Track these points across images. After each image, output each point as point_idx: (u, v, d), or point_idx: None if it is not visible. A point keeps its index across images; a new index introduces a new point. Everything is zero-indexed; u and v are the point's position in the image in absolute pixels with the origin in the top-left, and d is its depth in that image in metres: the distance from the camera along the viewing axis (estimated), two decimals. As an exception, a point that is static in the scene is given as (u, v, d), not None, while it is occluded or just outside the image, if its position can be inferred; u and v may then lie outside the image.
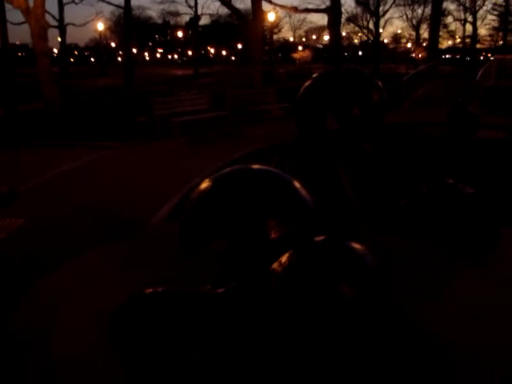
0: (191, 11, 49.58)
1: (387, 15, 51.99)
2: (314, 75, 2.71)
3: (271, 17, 32.58)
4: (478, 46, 61.02)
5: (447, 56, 61.14)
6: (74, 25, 49.44)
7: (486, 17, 59.55)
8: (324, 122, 2.70)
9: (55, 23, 40.73)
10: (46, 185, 7.75)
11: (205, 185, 2.22)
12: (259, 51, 20.58)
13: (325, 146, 2.65)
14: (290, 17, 66.76)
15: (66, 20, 42.86)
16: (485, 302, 3.18)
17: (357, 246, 2.13)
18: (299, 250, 2.05)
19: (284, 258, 2.01)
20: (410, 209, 4.38)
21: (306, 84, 2.69)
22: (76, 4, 41.95)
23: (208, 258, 2.59)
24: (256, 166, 2.30)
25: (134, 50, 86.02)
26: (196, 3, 47.50)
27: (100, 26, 46.02)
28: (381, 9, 46.79)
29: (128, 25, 31.03)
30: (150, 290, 2.13)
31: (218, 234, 2.19)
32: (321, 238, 2.16)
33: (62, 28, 41.84)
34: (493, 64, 21.23)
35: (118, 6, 31.12)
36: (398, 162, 8.21)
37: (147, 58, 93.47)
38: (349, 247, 2.11)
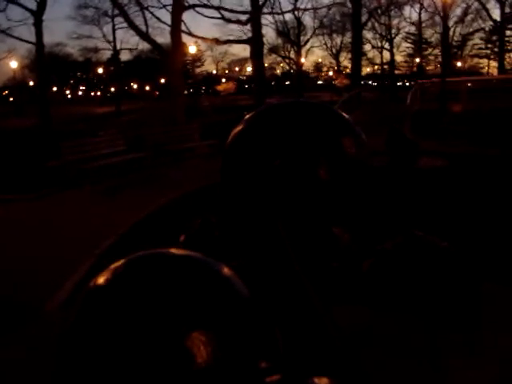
0: (110, 46, 48.07)
1: (308, 45, 52.58)
2: (247, 116, 1.56)
3: (192, 49, 31.82)
4: (396, 72, 62.92)
5: (369, 82, 62.56)
6: (-17, 63, 46.19)
7: (400, 44, 61.52)
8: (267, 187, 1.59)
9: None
10: None
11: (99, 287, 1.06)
12: (180, 84, 19.52)
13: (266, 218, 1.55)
14: (211, 50, 66.54)
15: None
16: None
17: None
18: None
19: None
20: (375, 272, 3.45)
21: (238, 129, 1.54)
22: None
23: None
24: (170, 253, 1.19)
25: (55, 88, 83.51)
26: (114, 38, 46.10)
27: (13, 64, 43.59)
28: (302, 39, 47.30)
29: (41, 62, 29.22)
30: None
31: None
32: None
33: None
34: (417, 88, 21.24)
35: (29, 42, 29.21)
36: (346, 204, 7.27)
37: (69, 96, 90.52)
38: None
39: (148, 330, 0.59)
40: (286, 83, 73.03)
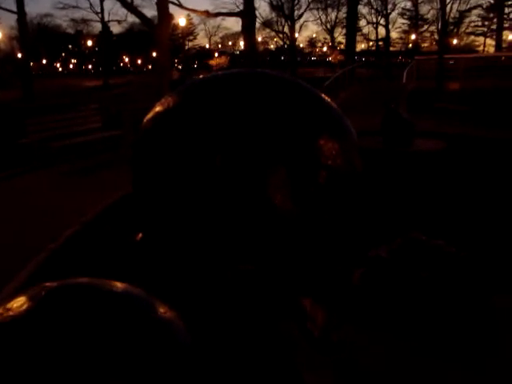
0: (97, 18, 46.70)
1: (302, 19, 51.54)
2: (166, 97, 0.83)
3: (182, 22, 30.79)
4: (391, 48, 62.10)
5: (363, 59, 61.71)
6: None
7: (396, 20, 60.72)
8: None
9: None
10: None
11: None
12: (167, 58, 18.68)
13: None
14: (204, 23, 65.36)
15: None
16: None
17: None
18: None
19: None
20: (368, 285, 2.86)
21: (150, 121, 0.80)
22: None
23: None
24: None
25: (44, 61, 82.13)
26: (102, 9, 44.79)
27: (-3, 35, 42.32)
28: (295, 13, 46.26)
29: (23, 32, 28.15)
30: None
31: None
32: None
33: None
34: (413, 66, 20.60)
35: (10, 11, 28.02)
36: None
37: (60, 69, 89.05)
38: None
39: None
40: (281, 58, 72.18)
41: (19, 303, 0.47)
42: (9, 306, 0.47)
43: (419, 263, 2.59)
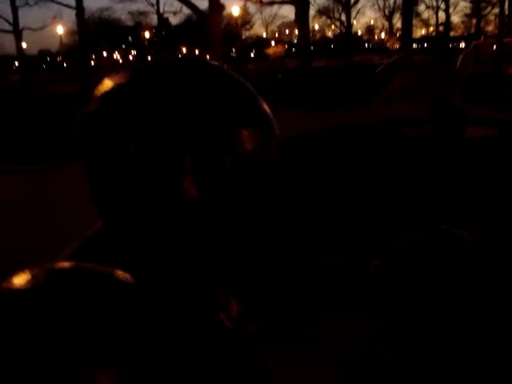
0: (153, 9, 47.42)
1: (359, 5, 50.58)
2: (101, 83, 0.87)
3: (235, 11, 30.83)
4: (452, 33, 60.03)
5: (422, 45, 59.99)
6: (30, 29, 46.00)
7: (458, 4, 58.49)
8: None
9: (9, 28, 38.40)
10: None
11: None
12: (219, 48, 18.83)
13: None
14: (260, 12, 65.18)
15: (23, 24, 40.63)
16: None
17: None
18: None
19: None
20: (383, 275, 2.79)
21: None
22: (31, 6, 39.57)
23: None
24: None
25: (104, 54, 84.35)
26: (157, 1, 45.48)
27: (59, 30, 43.78)
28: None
29: (82, 26, 29.02)
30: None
31: None
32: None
33: (17, 32, 39.47)
34: (472, 50, 19.84)
35: (69, 7, 28.92)
36: (375, 178, 6.54)
37: (120, 61, 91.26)
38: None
39: None
40: (331, 46, 71.20)
41: None
42: None
43: (439, 253, 2.54)
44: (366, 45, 79.90)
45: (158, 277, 0.65)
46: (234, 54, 63.39)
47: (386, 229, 4.54)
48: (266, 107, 0.69)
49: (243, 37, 74.01)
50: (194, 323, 0.66)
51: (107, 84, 0.67)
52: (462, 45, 56.48)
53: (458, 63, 16.11)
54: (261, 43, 75.94)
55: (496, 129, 9.19)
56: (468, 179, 6.23)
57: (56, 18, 42.13)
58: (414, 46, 56.05)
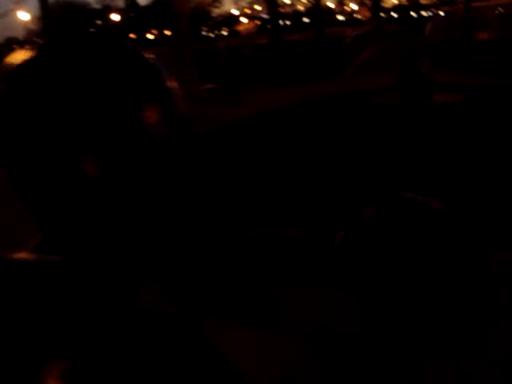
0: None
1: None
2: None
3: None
4: (425, 1, 59.89)
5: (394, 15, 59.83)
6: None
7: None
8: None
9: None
10: None
11: None
12: (186, 27, 18.51)
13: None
14: (229, -12, 64.34)
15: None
16: None
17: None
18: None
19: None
20: (349, 246, 2.80)
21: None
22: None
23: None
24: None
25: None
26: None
27: (24, 16, 42.62)
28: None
29: (45, 10, 28.31)
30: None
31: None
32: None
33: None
34: (441, 17, 19.82)
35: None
36: (347, 147, 6.53)
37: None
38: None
39: None
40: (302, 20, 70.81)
41: None
42: None
43: (404, 222, 2.51)
44: (339, 17, 79.50)
45: (78, 261, 0.65)
46: (204, 33, 62.66)
47: (355, 199, 4.54)
48: (172, 84, 0.69)
49: (213, 15, 73.14)
50: (106, 306, 0.65)
51: (12, 60, 0.67)
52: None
53: (427, 31, 16.08)
54: (232, 20, 75.09)
55: (462, 95, 9.24)
56: (435, 146, 6.25)
57: (19, 3, 40.89)
58: (385, 16, 55.92)
